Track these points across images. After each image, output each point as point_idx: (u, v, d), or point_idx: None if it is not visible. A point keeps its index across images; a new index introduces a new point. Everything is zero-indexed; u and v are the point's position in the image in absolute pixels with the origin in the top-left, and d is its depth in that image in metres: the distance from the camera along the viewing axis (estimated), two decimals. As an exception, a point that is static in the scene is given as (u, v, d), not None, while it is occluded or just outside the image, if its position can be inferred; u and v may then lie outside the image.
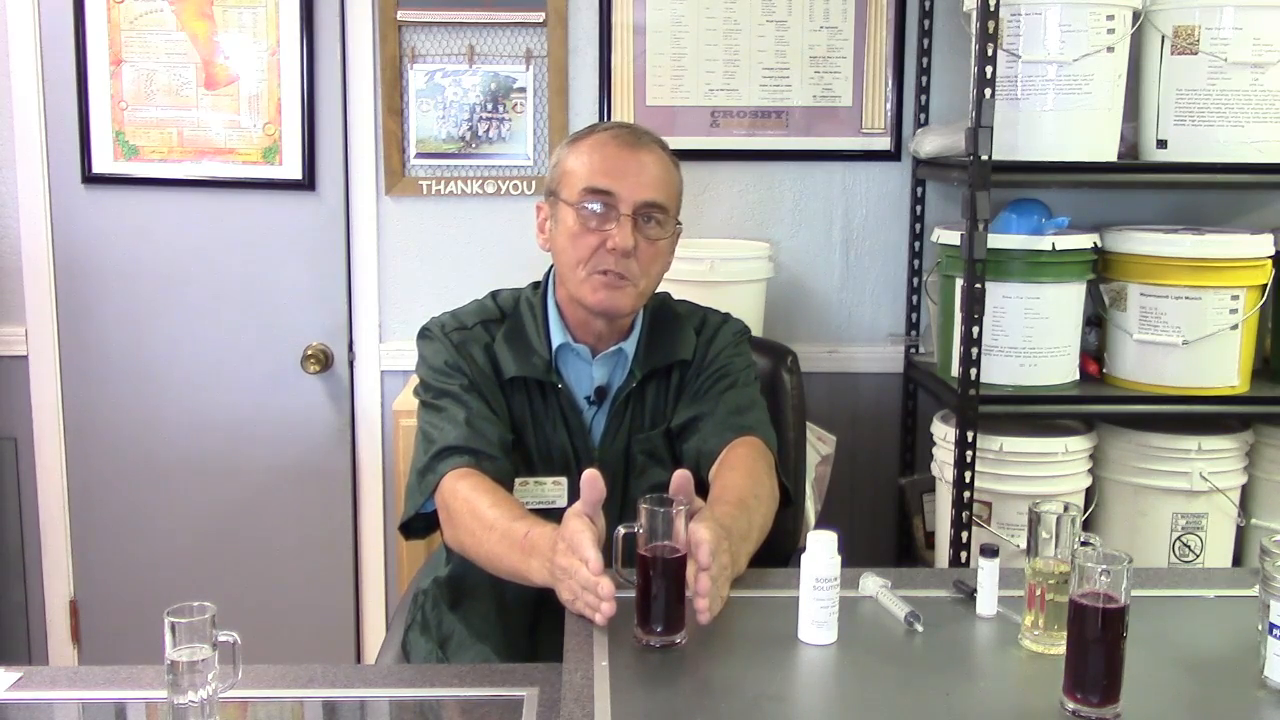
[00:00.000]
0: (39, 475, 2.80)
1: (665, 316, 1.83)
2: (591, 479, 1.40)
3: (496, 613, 1.74)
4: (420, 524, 1.71)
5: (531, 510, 1.68)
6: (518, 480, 1.71)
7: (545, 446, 1.74)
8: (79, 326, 2.76)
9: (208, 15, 2.65)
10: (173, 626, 1.25)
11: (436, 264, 2.75)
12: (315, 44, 2.67)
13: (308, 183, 2.70)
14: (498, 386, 1.74)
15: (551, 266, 1.78)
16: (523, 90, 2.69)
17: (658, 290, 1.83)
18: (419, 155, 2.70)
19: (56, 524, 2.81)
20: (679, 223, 1.77)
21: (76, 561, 2.84)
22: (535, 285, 1.83)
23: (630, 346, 1.77)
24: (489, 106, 2.69)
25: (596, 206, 1.67)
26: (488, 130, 2.69)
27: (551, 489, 1.73)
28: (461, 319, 1.79)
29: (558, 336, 1.75)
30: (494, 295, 1.84)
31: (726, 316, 1.89)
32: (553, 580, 1.41)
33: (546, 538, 1.45)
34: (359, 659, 2.88)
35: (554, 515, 1.68)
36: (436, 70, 2.67)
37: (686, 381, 1.79)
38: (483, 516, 1.56)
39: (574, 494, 1.68)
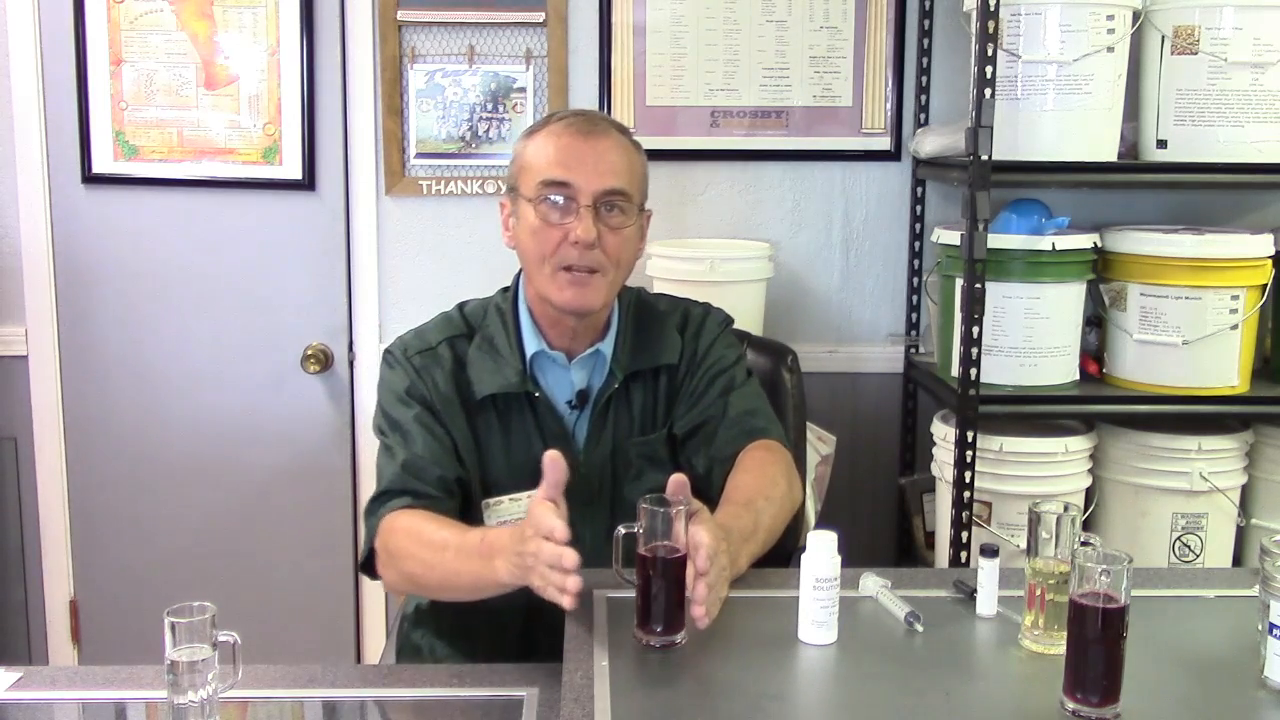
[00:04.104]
0: (39, 475, 2.79)
1: (645, 315, 1.78)
2: (553, 460, 1.37)
3: (485, 628, 1.72)
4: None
5: (509, 526, 1.66)
6: (490, 500, 1.67)
7: (520, 461, 1.68)
8: (79, 326, 2.76)
9: (208, 15, 2.65)
10: (173, 626, 1.25)
11: (436, 264, 2.75)
12: (315, 44, 2.67)
13: (308, 183, 2.70)
14: (461, 409, 1.68)
15: (521, 270, 1.73)
16: (523, 90, 2.69)
17: (632, 286, 1.78)
18: (419, 155, 2.70)
19: (56, 524, 2.81)
20: (646, 209, 1.72)
21: (76, 561, 2.84)
22: (505, 290, 1.77)
23: (608, 347, 1.71)
24: (489, 106, 2.69)
25: (557, 199, 1.61)
26: (488, 130, 2.69)
27: (526, 504, 1.65)
28: (426, 338, 1.73)
29: (531, 344, 1.70)
30: (461, 307, 1.78)
31: (707, 307, 1.84)
32: (522, 572, 1.36)
33: (506, 534, 1.41)
34: (359, 659, 2.88)
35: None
36: (436, 70, 2.67)
37: (680, 383, 1.75)
38: (431, 540, 1.52)
39: None
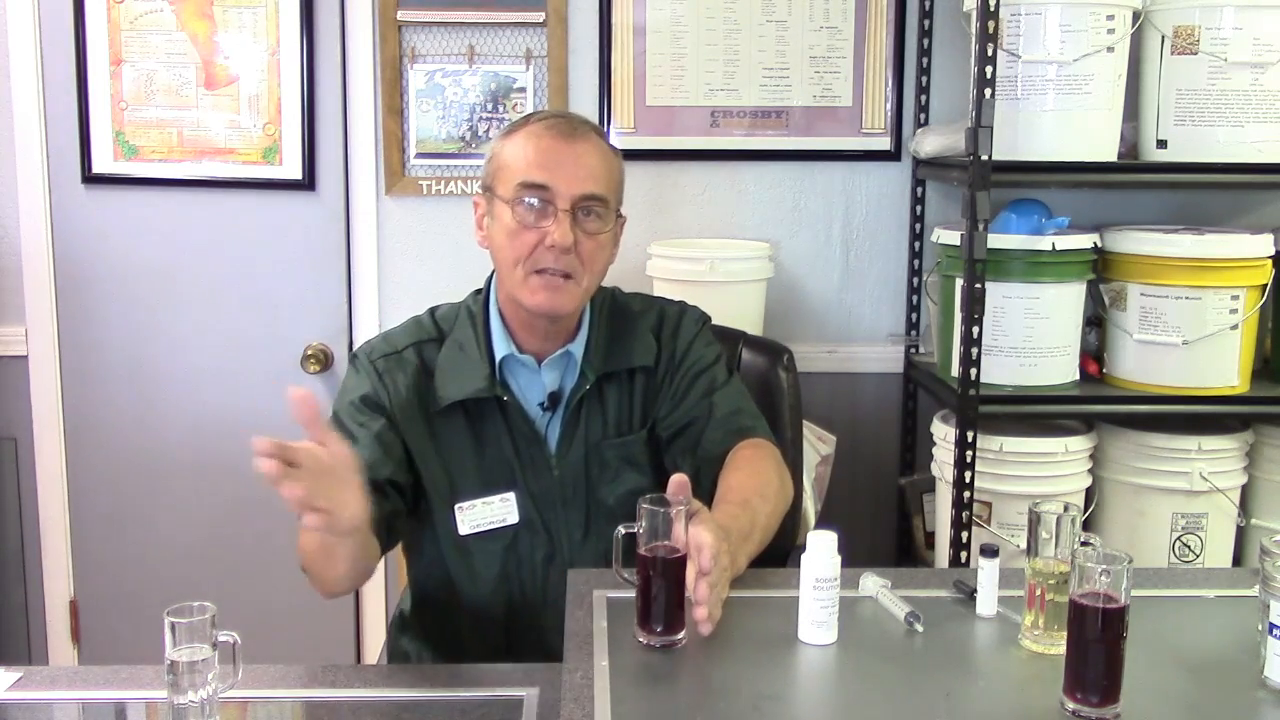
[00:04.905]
0: (39, 475, 2.80)
1: (619, 316, 1.76)
2: (300, 397, 1.37)
3: (469, 631, 1.73)
4: None
5: (482, 532, 1.66)
6: (464, 504, 1.67)
7: (490, 465, 1.67)
8: (79, 326, 2.76)
9: (208, 15, 2.65)
10: (173, 626, 1.25)
11: (436, 264, 2.75)
12: (315, 44, 2.67)
13: (308, 183, 2.70)
14: (421, 416, 1.67)
15: (493, 271, 1.72)
16: (523, 90, 2.69)
17: (606, 285, 1.77)
18: (419, 155, 2.70)
19: (56, 524, 2.81)
20: (622, 215, 1.71)
21: (76, 561, 2.84)
22: (477, 292, 1.76)
23: (578, 348, 1.70)
24: (489, 106, 2.69)
25: (533, 202, 1.59)
26: (488, 130, 2.69)
27: (499, 507, 1.67)
28: (393, 341, 1.72)
29: (501, 348, 1.68)
30: (433, 311, 1.77)
31: (683, 306, 1.82)
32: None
33: None
34: (359, 659, 2.88)
35: (505, 533, 1.67)
36: (436, 70, 2.67)
37: (659, 385, 1.73)
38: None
39: (524, 508, 1.67)
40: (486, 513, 1.67)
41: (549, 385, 1.70)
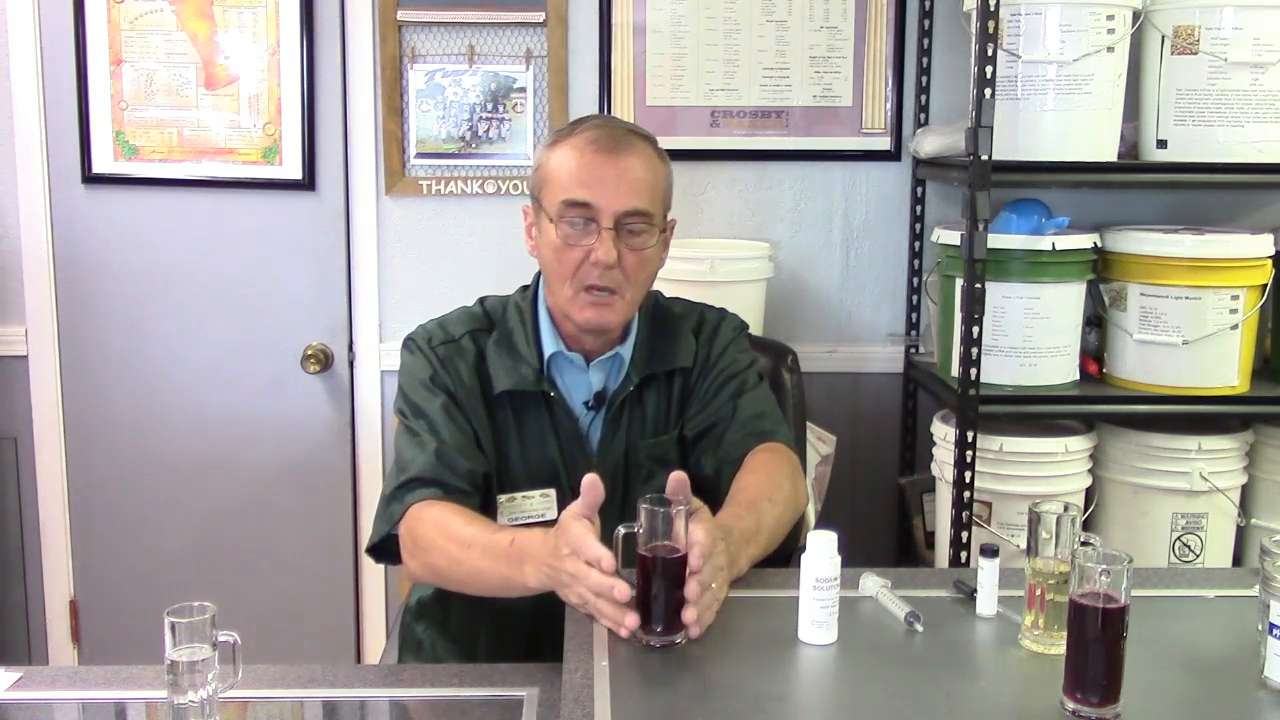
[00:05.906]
0: (39, 475, 2.79)
1: (661, 319, 1.79)
2: (592, 483, 1.37)
3: (489, 629, 1.73)
4: (392, 547, 1.64)
5: (519, 525, 1.65)
6: (503, 497, 1.68)
7: (533, 460, 1.69)
8: (79, 326, 2.76)
9: (208, 15, 2.65)
10: (173, 626, 1.25)
11: (436, 264, 2.75)
12: (315, 44, 2.67)
13: (308, 183, 2.70)
14: (482, 402, 1.69)
15: (539, 272, 1.74)
16: (523, 90, 2.69)
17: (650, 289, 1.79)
18: (419, 155, 2.70)
19: (56, 524, 2.81)
20: (669, 222, 1.72)
21: (76, 561, 2.84)
22: (524, 288, 1.78)
23: (627, 351, 1.73)
24: (489, 106, 2.69)
25: (577, 222, 1.61)
26: (488, 130, 2.69)
27: (540, 502, 1.68)
28: (449, 330, 1.73)
29: (550, 345, 1.70)
30: (481, 301, 1.79)
31: (723, 312, 1.85)
32: (554, 584, 1.38)
33: (536, 541, 1.42)
34: (359, 659, 2.88)
35: (541, 530, 1.67)
36: (436, 70, 2.67)
37: (692, 386, 1.76)
38: (458, 535, 1.52)
39: (563, 505, 1.66)
40: (527, 507, 1.68)
41: (595, 385, 1.72)
